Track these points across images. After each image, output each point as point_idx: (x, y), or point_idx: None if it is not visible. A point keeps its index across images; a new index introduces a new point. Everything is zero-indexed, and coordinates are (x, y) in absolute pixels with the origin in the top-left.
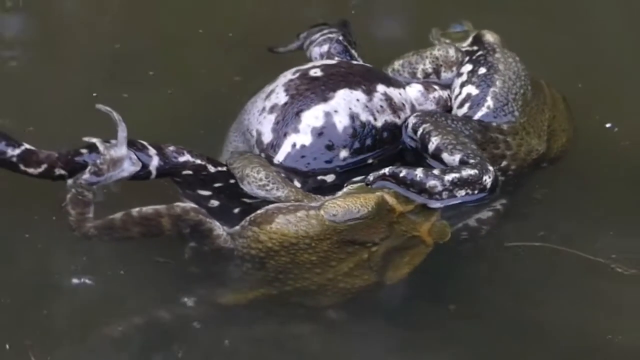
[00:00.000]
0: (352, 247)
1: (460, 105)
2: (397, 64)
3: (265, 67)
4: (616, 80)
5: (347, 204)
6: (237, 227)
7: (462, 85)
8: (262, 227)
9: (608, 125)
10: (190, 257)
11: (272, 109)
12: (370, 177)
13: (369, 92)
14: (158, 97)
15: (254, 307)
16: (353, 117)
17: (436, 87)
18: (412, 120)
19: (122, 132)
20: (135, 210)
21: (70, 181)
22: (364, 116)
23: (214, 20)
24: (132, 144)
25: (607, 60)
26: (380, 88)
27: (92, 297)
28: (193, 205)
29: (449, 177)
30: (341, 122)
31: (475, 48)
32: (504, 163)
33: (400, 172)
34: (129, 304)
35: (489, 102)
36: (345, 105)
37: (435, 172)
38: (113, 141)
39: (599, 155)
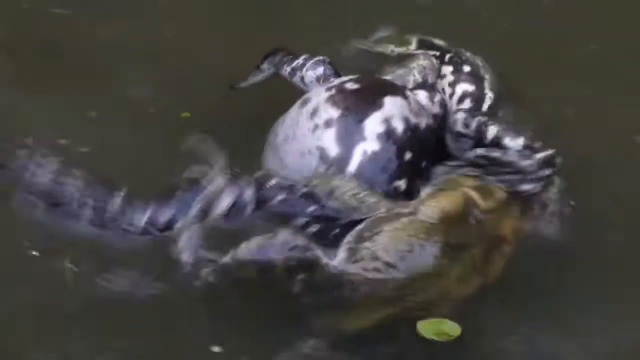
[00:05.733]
0: (456, 253)
1: (460, 102)
2: None
3: None
4: None
5: (441, 205)
6: (342, 251)
7: (452, 84)
8: (373, 241)
9: None
10: (302, 289)
11: (328, 123)
12: (469, 155)
13: (406, 98)
14: None
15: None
16: (405, 120)
17: (434, 91)
18: (461, 116)
19: (220, 160)
20: (242, 247)
21: (178, 225)
22: (412, 119)
23: None
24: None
25: None
26: (409, 93)
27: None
28: (293, 232)
29: (538, 156)
30: (399, 126)
31: (437, 53)
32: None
33: (494, 152)
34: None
35: (489, 93)
36: (396, 111)
37: (525, 152)
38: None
39: None
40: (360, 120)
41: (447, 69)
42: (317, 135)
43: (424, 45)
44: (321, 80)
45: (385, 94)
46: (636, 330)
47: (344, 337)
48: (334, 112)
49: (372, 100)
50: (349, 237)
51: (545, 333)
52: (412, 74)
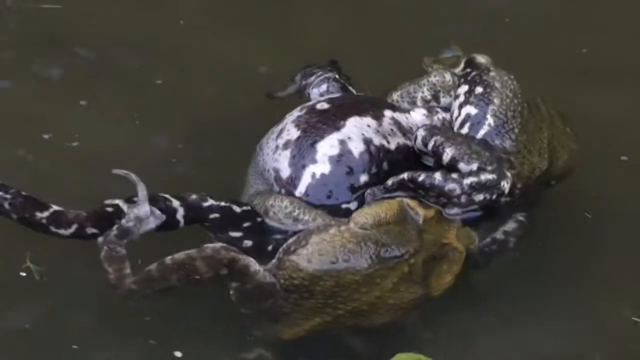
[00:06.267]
0: (392, 262)
1: (461, 126)
2: (395, 95)
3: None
4: None
5: (373, 210)
6: (274, 261)
7: (461, 106)
8: (298, 253)
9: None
10: (237, 298)
11: (286, 145)
12: (389, 182)
13: (378, 118)
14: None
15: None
16: (367, 142)
17: (438, 109)
18: (421, 133)
19: (142, 191)
20: (168, 258)
21: (100, 239)
22: (377, 140)
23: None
24: (154, 199)
25: None
26: (388, 113)
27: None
28: (223, 244)
29: (467, 180)
30: (357, 147)
31: (469, 70)
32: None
33: (419, 176)
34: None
35: (489, 120)
36: (357, 132)
37: (454, 175)
38: (135, 198)
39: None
40: (315, 142)
41: (463, 89)
42: (276, 155)
43: (469, 64)
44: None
45: (354, 114)
46: (602, 332)
47: (287, 346)
48: (294, 133)
49: (333, 121)
50: (281, 248)
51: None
52: (422, 90)
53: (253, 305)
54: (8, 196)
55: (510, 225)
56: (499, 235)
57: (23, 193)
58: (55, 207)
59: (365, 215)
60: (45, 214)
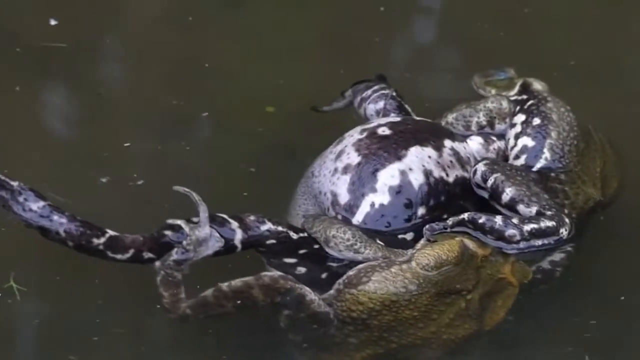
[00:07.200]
0: (450, 298)
1: (517, 157)
2: (450, 117)
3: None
4: None
5: (435, 252)
6: (332, 292)
7: (517, 136)
8: (359, 289)
9: None
10: (287, 325)
11: (346, 169)
12: (450, 222)
13: (438, 148)
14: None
15: None
16: (427, 174)
17: (494, 138)
18: (481, 168)
19: (204, 213)
20: (224, 285)
21: (158, 263)
22: (437, 172)
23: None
24: (212, 220)
25: None
26: (447, 143)
27: None
28: (281, 273)
29: (527, 227)
30: (417, 179)
31: (525, 97)
32: (564, 212)
33: (480, 218)
34: None
35: (546, 153)
36: (418, 163)
37: (515, 220)
38: (195, 219)
39: None
40: (376, 171)
41: (519, 118)
42: (334, 179)
43: (525, 89)
44: (380, 115)
45: (415, 144)
46: None
47: None
48: (354, 158)
49: (395, 150)
50: (340, 279)
51: None
52: (477, 115)
53: (303, 333)
54: (64, 220)
55: (557, 256)
56: (545, 264)
57: (78, 218)
58: (111, 232)
59: (427, 257)
60: (102, 239)
